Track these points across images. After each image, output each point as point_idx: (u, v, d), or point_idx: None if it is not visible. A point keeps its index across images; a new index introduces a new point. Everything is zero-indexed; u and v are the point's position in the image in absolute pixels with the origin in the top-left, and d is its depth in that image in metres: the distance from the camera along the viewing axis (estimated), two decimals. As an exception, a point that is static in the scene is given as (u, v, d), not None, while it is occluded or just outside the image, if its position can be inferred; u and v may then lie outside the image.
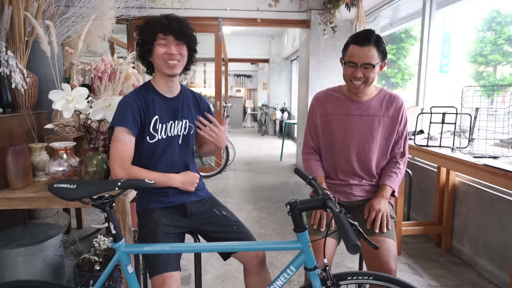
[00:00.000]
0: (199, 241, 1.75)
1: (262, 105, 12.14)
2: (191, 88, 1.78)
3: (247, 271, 1.67)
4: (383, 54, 1.60)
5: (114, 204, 1.03)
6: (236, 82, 15.48)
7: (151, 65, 1.59)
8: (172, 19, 1.50)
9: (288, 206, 1.06)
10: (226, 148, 5.48)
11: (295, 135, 8.60)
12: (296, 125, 7.68)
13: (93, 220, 3.52)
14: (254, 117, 14.57)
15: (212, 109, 1.80)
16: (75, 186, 0.97)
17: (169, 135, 1.59)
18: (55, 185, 0.97)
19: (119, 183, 1.00)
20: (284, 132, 7.38)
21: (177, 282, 1.37)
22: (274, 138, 10.21)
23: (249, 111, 14.69)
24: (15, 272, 1.94)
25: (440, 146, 2.44)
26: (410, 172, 3.17)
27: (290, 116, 10.36)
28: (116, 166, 1.43)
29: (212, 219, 1.62)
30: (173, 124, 1.60)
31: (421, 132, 2.88)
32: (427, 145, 2.51)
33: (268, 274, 1.63)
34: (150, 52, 1.52)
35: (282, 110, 10.45)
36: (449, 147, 2.39)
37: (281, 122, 10.42)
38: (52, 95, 1.61)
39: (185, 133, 1.64)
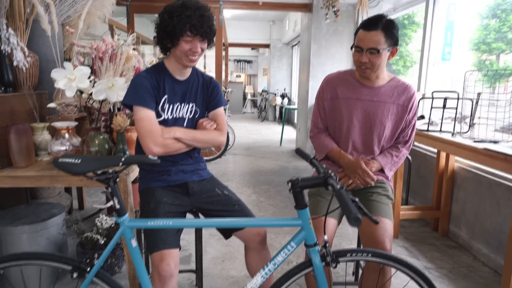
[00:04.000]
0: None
1: (262, 91, 12.09)
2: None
3: (248, 249, 1.70)
4: (392, 40, 1.58)
5: (118, 179, 1.04)
6: (236, 68, 15.37)
7: (167, 47, 1.58)
8: (202, 17, 1.46)
9: (289, 184, 1.07)
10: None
11: (295, 121, 8.59)
12: (296, 111, 7.68)
13: (94, 202, 3.55)
14: (254, 103, 14.53)
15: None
16: (79, 161, 0.98)
17: (175, 116, 1.60)
18: (60, 160, 0.98)
19: (122, 159, 1.01)
20: (284, 117, 7.38)
21: (175, 259, 1.39)
22: (274, 124, 10.21)
23: (249, 96, 14.64)
24: (19, 249, 1.97)
25: (440, 131, 2.45)
26: (409, 157, 3.19)
27: (290, 102, 10.34)
28: (149, 143, 1.44)
29: (214, 198, 1.64)
30: (179, 106, 1.60)
31: (422, 117, 2.89)
32: (427, 130, 2.52)
33: (268, 253, 1.66)
34: (172, 43, 1.51)
35: (282, 96, 10.42)
36: (450, 132, 2.40)
37: (281, 108, 10.39)
38: (55, 73, 1.61)
39: (190, 116, 1.64)
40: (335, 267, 1.13)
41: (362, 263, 2.16)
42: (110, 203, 2.48)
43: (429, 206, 3.05)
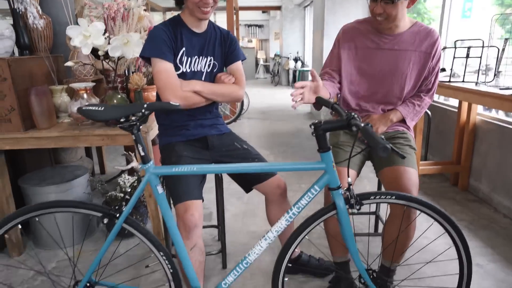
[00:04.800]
0: (221, 175, 1.81)
1: (275, 55, 11.85)
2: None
3: (269, 202, 1.73)
4: None
5: (141, 126, 1.05)
6: (247, 33, 15.03)
7: (181, 0, 1.55)
8: None
9: (312, 127, 1.06)
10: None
11: (309, 84, 8.43)
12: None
13: (114, 168, 3.63)
14: (266, 68, 14.30)
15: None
16: (103, 108, 0.99)
17: (193, 69, 1.58)
18: (83, 108, 0.99)
19: (145, 105, 1.01)
20: (298, 79, 7.27)
21: (199, 209, 1.43)
22: (288, 88, 10.08)
23: (261, 62, 14.39)
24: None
25: (463, 81, 2.37)
26: (429, 113, 3.12)
27: (303, 65, 10.12)
28: (169, 95, 1.43)
29: (234, 152, 1.65)
30: (197, 59, 1.58)
31: (443, 70, 2.79)
32: (449, 81, 2.44)
33: (289, 205, 1.69)
34: None
35: (295, 60, 10.20)
36: (473, 82, 2.31)
37: (294, 71, 10.21)
38: (70, 31, 1.60)
39: (208, 70, 1.62)
40: (359, 209, 1.13)
41: (383, 217, 2.18)
42: (131, 165, 2.53)
43: (449, 161, 3.01)
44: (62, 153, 2.83)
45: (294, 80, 10.34)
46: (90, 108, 0.98)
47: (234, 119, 5.43)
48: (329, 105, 1.25)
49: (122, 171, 2.55)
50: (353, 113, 1.04)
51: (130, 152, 2.64)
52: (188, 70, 1.57)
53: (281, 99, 8.02)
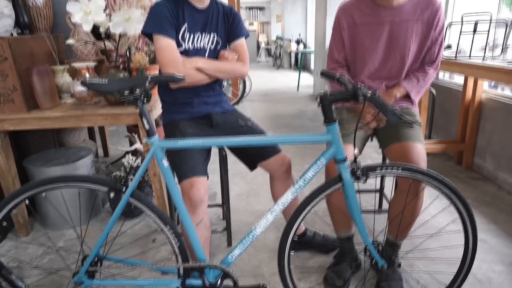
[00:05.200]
0: (225, 153, 1.80)
1: (277, 38, 11.70)
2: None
3: (273, 179, 1.73)
4: None
5: (145, 99, 1.04)
6: (248, 16, 14.80)
7: None
8: None
9: (318, 98, 1.05)
10: (243, 78, 5.41)
11: (312, 67, 8.37)
12: (313, 55, 7.45)
13: (118, 149, 3.64)
14: (268, 52, 14.14)
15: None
16: (107, 81, 0.98)
17: (196, 47, 1.56)
18: (87, 81, 0.98)
19: (149, 77, 1.00)
20: (301, 62, 7.19)
21: (204, 185, 1.43)
22: (290, 71, 10.00)
23: (263, 45, 14.22)
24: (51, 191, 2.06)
25: (470, 57, 2.33)
26: (434, 91, 3.09)
27: (306, 47, 10.01)
28: (171, 72, 1.41)
29: (238, 129, 1.64)
30: (200, 36, 1.55)
31: (449, 47, 2.74)
32: (455, 58, 2.40)
33: (293, 181, 1.68)
34: None
35: (298, 42, 10.07)
36: (480, 57, 2.27)
37: (296, 54, 10.10)
38: (70, 7, 1.57)
39: (212, 47, 1.60)
40: (365, 181, 1.13)
41: (388, 195, 2.18)
42: (135, 146, 2.52)
43: (453, 139, 2.99)
44: (66, 136, 2.83)
45: (296, 63, 10.24)
46: (94, 81, 0.97)
47: (236, 101, 5.40)
48: (334, 78, 1.24)
49: (126, 153, 2.56)
50: (359, 84, 1.02)
51: (133, 134, 2.64)
52: (191, 47, 1.55)
53: (283, 81, 7.97)
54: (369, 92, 0.93)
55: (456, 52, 2.46)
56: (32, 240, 2.07)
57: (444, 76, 3.42)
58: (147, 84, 0.99)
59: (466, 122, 2.85)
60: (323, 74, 1.33)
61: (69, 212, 2.08)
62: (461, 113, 2.86)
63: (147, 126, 1.05)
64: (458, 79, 3.15)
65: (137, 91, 1.01)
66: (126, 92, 1.01)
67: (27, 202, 1.11)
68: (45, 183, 1.10)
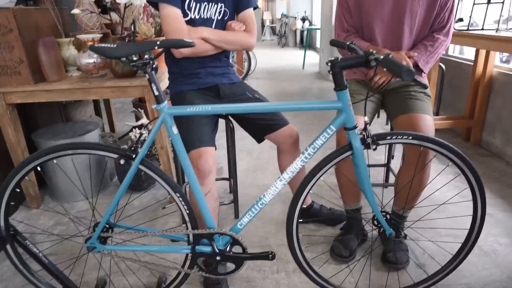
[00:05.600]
0: (232, 125, 1.80)
1: (282, 15, 11.48)
2: None
3: (281, 151, 1.73)
4: None
5: (155, 65, 1.03)
6: (253, -8, 14.48)
7: None
8: None
9: (329, 64, 1.03)
10: (248, 56, 5.34)
11: (317, 45, 8.24)
12: (319, 32, 7.32)
13: (124, 125, 3.65)
14: (273, 30, 13.91)
15: None
16: (115, 45, 0.97)
17: (203, 16, 1.53)
18: (96, 45, 0.97)
19: (158, 42, 0.98)
20: (307, 40, 7.08)
21: (213, 156, 1.44)
22: (295, 50, 9.86)
23: (267, 23, 13.98)
24: (61, 162, 2.08)
25: (482, 29, 2.27)
26: (443, 67, 3.04)
27: (311, 25, 9.82)
28: None
29: (245, 102, 1.63)
30: (207, 5, 1.52)
31: (461, 20, 2.67)
32: (467, 30, 2.34)
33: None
34: None
35: (303, 19, 9.88)
36: (493, 29, 2.22)
37: (302, 32, 9.92)
38: (74, -25, 1.54)
39: (219, 18, 1.57)
40: (375, 149, 1.13)
41: (396, 167, 2.18)
42: (141, 121, 2.52)
43: (461, 115, 2.96)
44: (72, 111, 2.83)
45: (302, 42, 10.07)
46: (103, 45, 0.96)
47: (241, 79, 5.36)
48: (344, 46, 1.21)
49: (133, 127, 2.57)
50: (370, 50, 1.00)
51: (139, 109, 2.64)
52: (197, 17, 1.52)
53: (288, 60, 7.86)
54: (381, 55, 0.91)
55: (468, 24, 2.40)
56: (44, 212, 2.11)
57: (454, 51, 3.35)
58: (156, 48, 0.98)
59: (475, 98, 2.81)
60: (333, 42, 1.30)
61: (81, 182, 2.11)
62: (470, 88, 2.81)
63: (156, 92, 1.04)
64: (469, 55, 3.09)
65: (146, 56, 1.00)
66: (135, 58, 0.99)
67: (39, 169, 1.12)
68: (56, 150, 1.11)
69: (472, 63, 2.83)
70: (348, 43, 1.18)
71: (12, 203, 1.15)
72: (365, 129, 1.11)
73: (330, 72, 1.04)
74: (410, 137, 1.14)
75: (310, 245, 1.75)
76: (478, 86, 2.76)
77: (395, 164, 2.36)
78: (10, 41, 1.78)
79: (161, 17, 1.43)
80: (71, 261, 1.64)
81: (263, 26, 13.79)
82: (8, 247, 1.22)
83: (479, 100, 2.75)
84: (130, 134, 2.27)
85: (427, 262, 1.62)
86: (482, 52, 2.66)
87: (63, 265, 1.57)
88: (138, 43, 0.98)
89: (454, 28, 2.47)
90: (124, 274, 1.59)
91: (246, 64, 5.37)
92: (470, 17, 2.37)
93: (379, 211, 1.25)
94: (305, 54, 6.71)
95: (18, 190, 1.17)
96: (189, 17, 1.50)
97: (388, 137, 1.14)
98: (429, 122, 1.46)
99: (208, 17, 1.54)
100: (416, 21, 1.57)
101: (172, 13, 1.41)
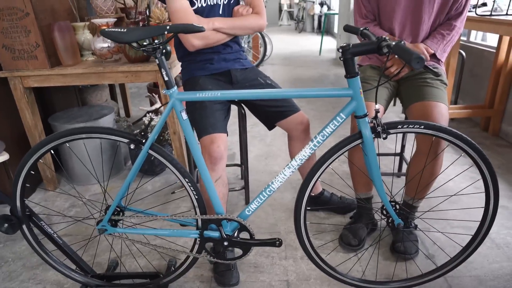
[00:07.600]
0: (244, 111, 1.80)
1: (299, 0, 11.25)
2: None
3: (291, 138, 1.73)
4: None
5: (165, 50, 1.03)
6: (270, -24, 14.20)
7: None
8: None
9: (340, 50, 1.01)
10: (264, 41, 5.28)
11: (335, 31, 8.07)
12: (337, 17, 7.16)
13: (139, 110, 3.69)
14: (290, 15, 13.66)
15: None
16: (125, 30, 0.97)
17: (209, 3, 1.52)
18: (107, 29, 0.97)
19: (167, 27, 0.98)
20: (324, 25, 6.93)
21: (225, 142, 1.44)
22: (312, 35, 9.67)
23: (285, 8, 13.72)
24: (76, 145, 2.13)
25: (506, 14, 2.17)
26: (463, 54, 2.94)
27: (329, 10, 9.60)
28: (188, 36, 1.41)
29: (257, 87, 1.62)
30: None
31: (484, 4, 2.57)
32: (490, 15, 2.25)
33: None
34: None
35: (321, 4, 9.65)
36: (517, 15, 2.12)
37: (319, 17, 9.72)
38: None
39: (225, 2, 1.55)
40: (386, 138, 1.11)
41: (408, 158, 2.15)
42: (155, 106, 2.54)
43: (480, 104, 2.87)
44: (88, 95, 2.88)
45: (319, 27, 9.88)
46: (113, 30, 0.96)
47: (257, 64, 5.31)
48: (357, 32, 1.18)
49: (148, 112, 2.60)
50: (383, 36, 0.98)
51: (153, 94, 2.66)
52: (204, 4, 1.51)
53: (305, 45, 7.73)
54: (393, 42, 0.89)
55: (492, 9, 2.30)
56: (60, 194, 2.17)
57: (476, 38, 3.23)
58: (165, 33, 0.98)
59: (496, 87, 2.71)
60: (347, 28, 1.27)
61: (93, 166, 2.16)
62: (492, 77, 2.72)
63: (165, 77, 1.05)
64: (492, 42, 2.97)
65: (156, 41, 1.00)
66: (145, 43, 0.99)
67: (52, 152, 1.15)
68: (68, 134, 1.13)
69: (494, 50, 2.72)
70: (362, 29, 1.15)
71: (28, 185, 1.19)
72: (375, 117, 1.09)
73: (341, 59, 1.02)
74: (422, 127, 1.11)
75: (319, 232, 1.75)
76: (500, 75, 2.66)
77: (410, 154, 2.32)
78: (27, 25, 1.81)
79: (169, 12, 1.42)
80: (84, 243, 1.70)
81: (280, 10, 13.55)
82: (24, 227, 1.27)
83: (500, 89, 2.66)
84: (144, 119, 2.30)
85: (436, 253, 1.60)
86: (506, 39, 2.55)
87: (77, 246, 1.63)
88: (147, 28, 0.98)
89: (476, 14, 2.38)
90: (134, 256, 1.63)
91: (262, 49, 5.32)
92: (494, 1, 2.27)
93: (387, 201, 1.24)
94: (322, 39, 6.58)
95: (33, 172, 1.21)
96: (196, 6, 1.49)
97: (399, 126, 1.11)
98: (443, 111, 1.42)
99: (215, 2, 1.53)
100: (434, 7, 1.52)
101: (181, 6, 1.41)
